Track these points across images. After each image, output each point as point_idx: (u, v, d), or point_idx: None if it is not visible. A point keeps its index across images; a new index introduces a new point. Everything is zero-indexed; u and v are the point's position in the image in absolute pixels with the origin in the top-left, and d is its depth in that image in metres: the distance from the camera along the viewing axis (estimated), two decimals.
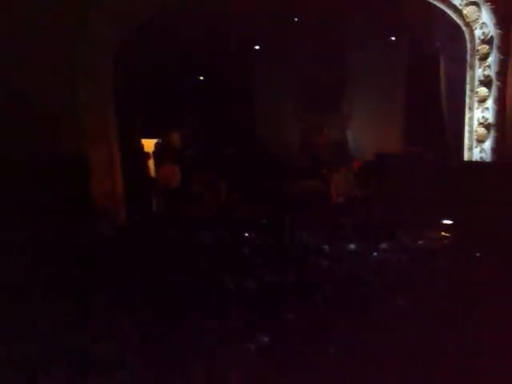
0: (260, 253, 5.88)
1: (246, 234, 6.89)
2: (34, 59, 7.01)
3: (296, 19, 10.05)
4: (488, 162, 7.60)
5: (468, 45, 7.70)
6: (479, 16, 7.36)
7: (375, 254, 6.05)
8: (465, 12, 7.46)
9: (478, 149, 7.72)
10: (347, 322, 3.94)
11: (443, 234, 7.31)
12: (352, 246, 6.22)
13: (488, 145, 7.61)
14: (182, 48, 10.03)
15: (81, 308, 4.16)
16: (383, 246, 6.20)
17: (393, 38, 10.20)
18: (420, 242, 6.66)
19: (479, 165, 7.66)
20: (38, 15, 6.90)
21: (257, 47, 10.98)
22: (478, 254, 5.68)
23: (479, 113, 7.65)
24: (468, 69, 7.76)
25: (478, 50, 7.53)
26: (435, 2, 7.65)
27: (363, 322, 3.91)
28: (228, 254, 5.82)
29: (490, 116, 7.55)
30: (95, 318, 3.94)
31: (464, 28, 7.65)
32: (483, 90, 7.54)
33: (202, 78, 11.63)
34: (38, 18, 6.91)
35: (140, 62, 9.38)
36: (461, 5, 7.46)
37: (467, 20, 7.51)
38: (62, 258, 5.43)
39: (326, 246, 6.35)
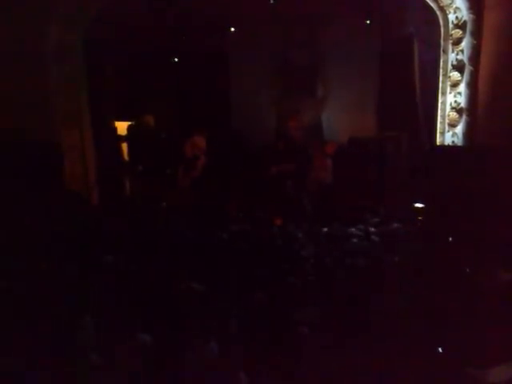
0: (236, 238, 5.87)
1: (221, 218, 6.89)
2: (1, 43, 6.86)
3: (272, 1, 9.95)
4: (460, 146, 7.70)
5: (442, 29, 7.74)
6: (453, 0, 7.40)
7: (349, 237, 6.10)
8: None
9: (450, 133, 7.81)
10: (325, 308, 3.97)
11: (416, 217, 7.43)
12: (326, 230, 6.26)
13: (460, 129, 7.70)
14: (156, 29, 9.87)
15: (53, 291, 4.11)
16: (356, 229, 6.26)
17: (367, 22, 10.18)
18: (393, 225, 6.74)
19: (451, 149, 7.75)
20: None
21: (232, 29, 10.86)
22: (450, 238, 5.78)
23: (452, 97, 7.72)
24: (441, 53, 7.80)
25: (451, 35, 7.58)
26: None
27: (341, 308, 3.95)
28: (202, 239, 5.80)
29: (462, 100, 7.62)
30: (65, 300, 3.89)
31: (438, 12, 7.67)
32: (456, 75, 7.61)
33: (176, 59, 11.46)
34: None
35: (112, 44, 9.19)
36: None
37: (441, 4, 7.53)
38: (34, 245, 5.35)
39: (300, 230, 6.39)
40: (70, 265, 4.79)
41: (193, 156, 9.62)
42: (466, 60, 7.48)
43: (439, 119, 7.95)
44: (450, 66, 7.67)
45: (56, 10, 7.17)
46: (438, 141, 7.99)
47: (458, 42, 7.52)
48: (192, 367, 3.17)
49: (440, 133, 7.96)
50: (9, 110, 6.95)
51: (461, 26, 7.43)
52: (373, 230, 6.48)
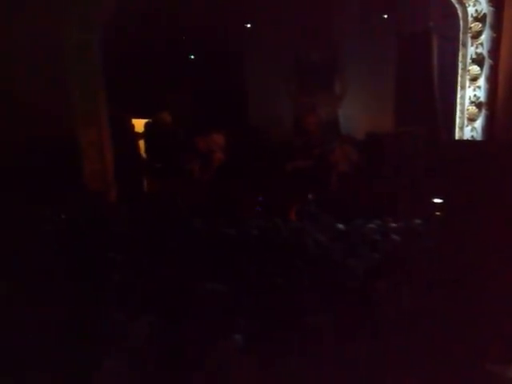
0: (252, 235, 5.86)
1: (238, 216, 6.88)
2: (20, 44, 6.95)
3: None
4: (479, 141, 7.61)
5: (461, 22, 7.65)
6: None
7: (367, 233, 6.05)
8: None
9: (469, 128, 7.73)
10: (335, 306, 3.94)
11: (435, 212, 7.35)
12: (341, 226, 6.21)
13: (479, 123, 7.62)
14: (173, 27, 9.90)
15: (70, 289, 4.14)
16: (372, 225, 6.20)
17: (385, 16, 10.09)
18: (412, 222, 6.68)
19: (470, 144, 7.66)
20: None
21: (248, 25, 10.86)
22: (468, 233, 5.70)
23: (471, 91, 7.64)
24: (460, 47, 7.72)
25: (470, 28, 7.49)
26: None
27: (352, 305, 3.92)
28: (217, 235, 5.80)
29: (481, 95, 7.54)
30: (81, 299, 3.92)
31: (457, 5, 7.60)
32: (475, 69, 7.52)
33: (192, 56, 11.49)
34: None
35: (129, 41, 9.24)
36: None
37: None
38: (52, 242, 5.40)
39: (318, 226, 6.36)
40: (87, 262, 4.82)
41: (208, 152, 9.64)
42: (485, 53, 7.40)
43: (458, 114, 7.88)
44: (469, 60, 7.59)
45: (74, 9, 7.24)
46: (457, 135, 7.92)
47: (477, 35, 7.43)
48: (211, 366, 3.17)
49: (459, 127, 7.89)
50: (28, 108, 7.04)
51: (480, 18, 7.35)
52: (391, 225, 6.43)
